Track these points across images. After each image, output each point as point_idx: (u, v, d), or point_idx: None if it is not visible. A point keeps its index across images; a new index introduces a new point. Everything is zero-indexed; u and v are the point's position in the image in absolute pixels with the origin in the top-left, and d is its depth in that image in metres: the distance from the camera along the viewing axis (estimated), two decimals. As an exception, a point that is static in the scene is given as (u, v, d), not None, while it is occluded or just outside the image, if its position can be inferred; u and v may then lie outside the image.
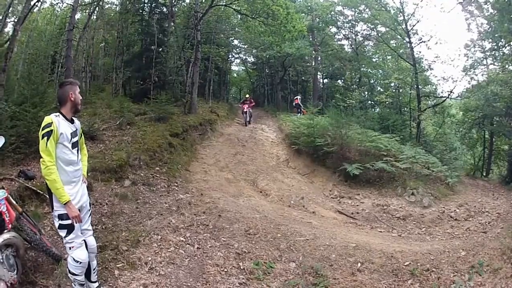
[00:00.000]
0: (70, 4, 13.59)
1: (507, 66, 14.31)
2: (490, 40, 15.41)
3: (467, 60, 16.42)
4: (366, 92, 24.37)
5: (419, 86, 17.51)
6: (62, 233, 3.37)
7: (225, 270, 4.55)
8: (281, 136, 15.19)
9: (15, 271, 3.53)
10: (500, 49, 15.04)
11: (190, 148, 10.97)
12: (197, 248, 5.00)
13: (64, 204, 3.24)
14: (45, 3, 17.23)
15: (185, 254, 4.81)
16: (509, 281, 4.35)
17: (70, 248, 3.40)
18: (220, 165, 10.41)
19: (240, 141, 13.76)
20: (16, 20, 11.09)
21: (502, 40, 14.30)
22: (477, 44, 16.31)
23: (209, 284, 4.25)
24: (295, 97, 21.27)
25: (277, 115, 20.17)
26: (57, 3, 17.08)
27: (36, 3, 12.81)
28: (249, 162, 10.97)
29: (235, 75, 36.26)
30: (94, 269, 3.71)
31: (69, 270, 3.46)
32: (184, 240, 5.16)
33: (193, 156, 10.54)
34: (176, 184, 7.91)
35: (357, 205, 8.45)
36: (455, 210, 8.07)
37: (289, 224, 6.29)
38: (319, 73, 28.32)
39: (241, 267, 4.63)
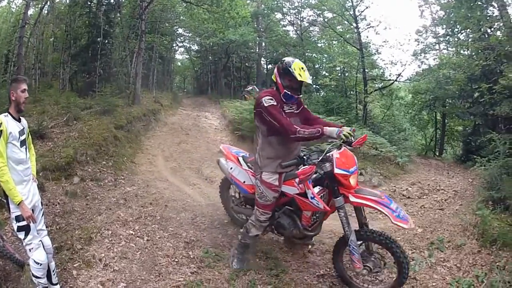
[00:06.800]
0: (25, 0, 13.01)
1: (462, 51, 14.57)
2: (444, 26, 15.58)
3: (418, 45, 16.63)
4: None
5: (366, 70, 17.71)
6: (21, 235, 3.44)
7: (176, 260, 4.63)
8: (225, 123, 15.33)
9: None
10: (455, 35, 15.23)
11: (135, 140, 10.93)
12: (147, 240, 5.04)
13: (18, 204, 3.31)
14: (3, 1, 16.49)
15: (136, 247, 4.85)
16: (476, 257, 4.58)
17: (30, 250, 3.46)
18: (165, 155, 10.42)
19: (184, 130, 13.80)
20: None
21: (458, 26, 14.40)
22: (429, 30, 16.59)
23: (162, 276, 4.32)
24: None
25: (221, 102, 20.09)
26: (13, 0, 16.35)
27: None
28: (193, 150, 11.02)
29: (179, 64, 35.88)
30: (53, 271, 3.76)
31: (32, 274, 3.50)
32: (133, 233, 5.19)
33: (138, 148, 10.51)
34: (122, 177, 7.88)
35: (304, 187, 8.53)
36: (407, 189, 8.14)
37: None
38: (263, 59, 28.24)
39: (191, 256, 4.72)
